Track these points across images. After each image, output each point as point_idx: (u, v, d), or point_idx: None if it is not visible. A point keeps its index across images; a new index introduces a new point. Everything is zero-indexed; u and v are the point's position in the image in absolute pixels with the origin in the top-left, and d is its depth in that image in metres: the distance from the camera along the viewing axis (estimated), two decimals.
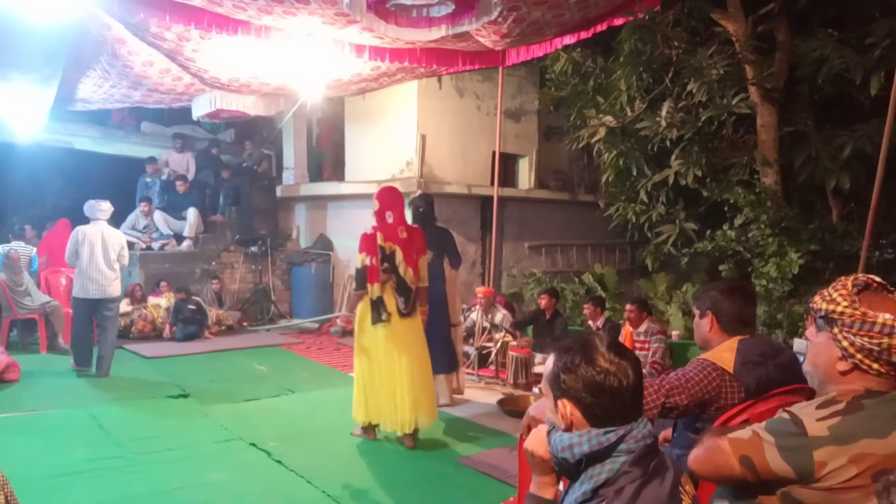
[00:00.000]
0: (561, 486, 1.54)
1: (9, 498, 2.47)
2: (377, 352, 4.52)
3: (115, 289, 6.56)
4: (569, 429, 1.41)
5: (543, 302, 7.23)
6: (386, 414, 4.52)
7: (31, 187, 10.81)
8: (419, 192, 6.56)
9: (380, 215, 4.56)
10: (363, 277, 4.43)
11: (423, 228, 4.97)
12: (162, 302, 8.79)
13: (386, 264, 4.46)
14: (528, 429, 1.97)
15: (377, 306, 4.44)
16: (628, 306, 6.13)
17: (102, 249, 6.42)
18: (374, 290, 4.43)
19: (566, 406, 1.40)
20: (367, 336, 4.55)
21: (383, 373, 4.49)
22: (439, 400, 5.26)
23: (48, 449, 4.39)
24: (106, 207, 6.62)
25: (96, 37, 5.73)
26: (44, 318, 7.53)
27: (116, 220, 9.98)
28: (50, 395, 5.69)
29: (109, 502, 3.61)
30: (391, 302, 4.47)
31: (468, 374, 6.58)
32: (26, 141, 8.79)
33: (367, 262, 4.42)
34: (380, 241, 4.45)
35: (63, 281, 8.54)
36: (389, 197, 4.59)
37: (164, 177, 10.32)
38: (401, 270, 4.48)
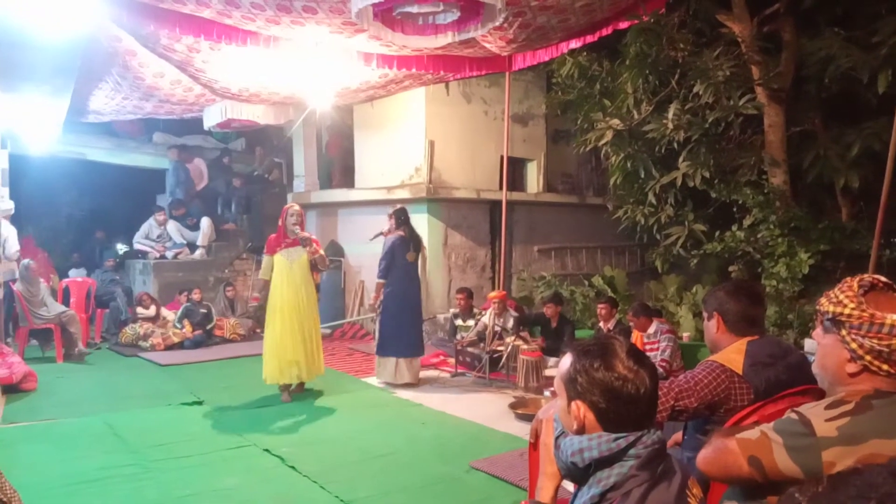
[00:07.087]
0: (571, 487, 1.55)
1: None
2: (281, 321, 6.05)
3: None
4: (580, 431, 1.41)
5: (549, 311, 7.25)
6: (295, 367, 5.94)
7: (45, 198, 10.92)
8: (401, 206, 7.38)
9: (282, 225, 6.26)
10: (270, 267, 6.15)
11: (408, 233, 6.48)
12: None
13: None
14: (537, 434, 1.98)
15: None
16: (629, 316, 6.13)
17: None
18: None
19: (580, 408, 1.40)
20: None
21: (287, 337, 5.98)
22: (403, 378, 6.37)
23: (64, 457, 4.43)
24: None
25: (107, 49, 5.81)
26: (59, 328, 7.60)
27: (130, 230, 10.15)
28: (66, 404, 5.76)
29: None
30: None
31: (479, 377, 6.61)
32: (41, 153, 8.92)
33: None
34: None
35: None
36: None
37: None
38: None
